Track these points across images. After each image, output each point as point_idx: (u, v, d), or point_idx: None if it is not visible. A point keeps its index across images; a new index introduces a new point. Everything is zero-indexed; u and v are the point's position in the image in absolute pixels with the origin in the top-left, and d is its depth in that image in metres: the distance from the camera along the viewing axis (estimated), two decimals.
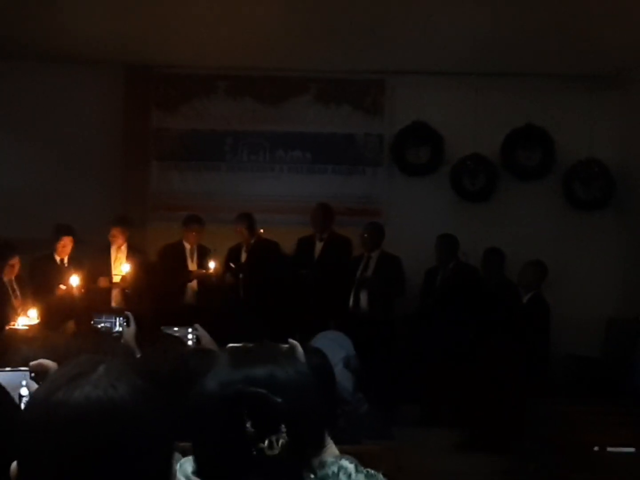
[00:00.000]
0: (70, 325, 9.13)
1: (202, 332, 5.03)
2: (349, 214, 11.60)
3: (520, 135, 11.55)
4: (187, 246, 10.65)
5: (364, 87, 11.93)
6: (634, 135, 11.13)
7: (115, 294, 10.13)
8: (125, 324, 5.16)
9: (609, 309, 11.03)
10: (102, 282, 10.03)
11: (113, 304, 9.92)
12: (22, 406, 2.59)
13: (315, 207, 10.87)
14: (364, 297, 10.39)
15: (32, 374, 2.66)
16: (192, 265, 10.58)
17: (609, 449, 5.86)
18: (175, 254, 10.63)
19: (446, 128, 11.66)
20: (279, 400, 1.91)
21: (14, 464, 1.69)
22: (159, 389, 1.80)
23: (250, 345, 2.33)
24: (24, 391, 2.65)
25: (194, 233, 10.59)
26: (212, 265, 10.31)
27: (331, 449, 2.46)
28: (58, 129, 11.26)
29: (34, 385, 2.63)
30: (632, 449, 5.81)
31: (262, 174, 11.94)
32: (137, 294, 9.87)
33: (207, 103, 11.97)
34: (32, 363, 2.66)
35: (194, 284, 10.50)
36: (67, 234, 9.94)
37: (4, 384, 2.54)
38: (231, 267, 10.46)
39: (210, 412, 1.96)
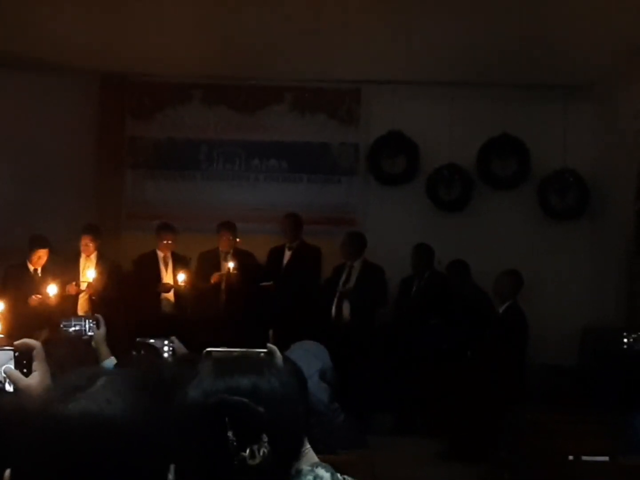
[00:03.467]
0: (44, 333, 9.06)
1: (177, 344, 5.00)
2: (324, 223, 11.61)
3: (495, 145, 11.59)
4: (160, 255, 10.58)
5: (340, 96, 11.94)
6: (608, 146, 11.19)
7: (82, 302, 10.05)
8: (94, 326, 5.13)
9: (584, 318, 11.05)
10: (71, 289, 9.95)
11: (80, 312, 9.84)
12: (6, 386, 2.62)
13: (284, 217, 10.86)
14: (346, 308, 10.36)
15: (17, 353, 2.68)
16: (167, 275, 10.51)
17: (584, 457, 5.86)
18: (149, 263, 10.57)
19: (422, 137, 11.68)
20: (261, 409, 1.90)
21: (8, 471, 1.68)
22: (158, 403, 1.79)
23: (234, 352, 2.33)
24: (8, 369, 2.66)
25: (166, 241, 10.52)
26: (181, 277, 10.27)
27: (309, 455, 2.45)
28: (31, 137, 11.17)
29: (14, 372, 2.64)
30: (606, 458, 5.81)
31: (237, 183, 11.92)
32: (107, 303, 9.78)
33: (182, 112, 11.95)
34: (16, 342, 2.69)
35: (169, 294, 10.45)
36: (42, 246, 9.88)
37: None
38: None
39: (192, 421, 1.95)
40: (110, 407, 1.66)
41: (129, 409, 1.68)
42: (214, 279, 10.45)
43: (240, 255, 10.59)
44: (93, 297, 9.94)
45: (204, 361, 2.19)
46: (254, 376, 2.00)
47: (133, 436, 1.67)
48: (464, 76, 11.14)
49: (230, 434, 1.89)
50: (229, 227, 10.69)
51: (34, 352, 2.67)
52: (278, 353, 2.78)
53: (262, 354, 2.63)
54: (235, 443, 1.88)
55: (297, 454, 2.05)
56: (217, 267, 10.58)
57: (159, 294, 10.45)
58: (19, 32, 9.76)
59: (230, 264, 10.33)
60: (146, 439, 1.69)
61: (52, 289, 9.45)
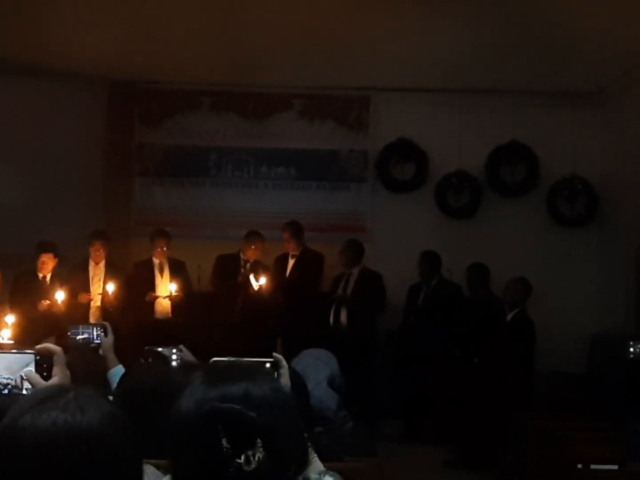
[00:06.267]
0: (51, 340, 9.06)
1: (186, 353, 5.00)
2: (333, 230, 11.60)
3: (504, 152, 11.58)
4: (156, 261, 10.59)
5: (348, 104, 11.94)
6: (616, 152, 11.18)
7: (94, 311, 10.07)
8: (102, 334, 5.12)
9: (593, 325, 11.05)
10: (83, 298, 9.98)
11: (92, 320, 9.84)
12: (24, 390, 2.66)
13: (283, 226, 10.87)
14: (343, 315, 10.39)
15: (38, 357, 2.70)
16: (162, 281, 10.51)
17: (593, 466, 5.85)
18: (144, 270, 10.58)
19: (430, 145, 11.68)
20: (253, 415, 1.90)
21: None
22: (135, 411, 1.78)
23: (229, 361, 2.34)
24: (28, 371, 2.68)
25: (160, 248, 10.53)
26: (173, 288, 10.31)
27: (316, 464, 2.45)
28: (40, 143, 11.20)
29: (34, 375, 2.65)
30: (615, 466, 5.80)
31: (246, 190, 11.92)
32: (117, 312, 9.80)
33: (190, 119, 11.95)
34: (38, 346, 2.71)
35: (165, 301, 10.44)
36: (46, 251, 9.90)
37: (9, 365, 2.59)
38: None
39: (186, 430, 1.95)
40: (83, 416, 1.66)
41: (101, 417, 1.68)
42: (242, 277, 10.47)
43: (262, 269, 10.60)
44: (110, 309, 9.91)
45: (197, 371, 2.20)
46: (245, 383, 2.00)
47: (107, 444, 1.66)
48: (473, 83, 11.15)
49: (224, 441, 1.89)
50: (259, 237, 10.72)
51: (55, 357, 2.69)
52: (284, 362, 2.78)
53: (267, 364, 2.64)
54: (229, 450, 1.89)
55: (294, 458, 2.04)
56: (237, 273, 10.59)
57: (152, 301, 10.44)
58: (28, 39, 9.79)
59: (263, 280, 10.31)
60: (120, 447, 1.69)
61: (60, 295, 9.46)
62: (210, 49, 10.11)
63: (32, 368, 2.71)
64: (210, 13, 9.16)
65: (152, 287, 10.43)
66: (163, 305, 10.43)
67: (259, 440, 1.89)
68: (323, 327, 10.17)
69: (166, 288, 10.38)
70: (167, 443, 1.97)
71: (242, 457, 1.88)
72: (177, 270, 10.51)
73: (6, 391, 2.72)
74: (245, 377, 2.03)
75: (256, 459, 1.88)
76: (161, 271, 10.55)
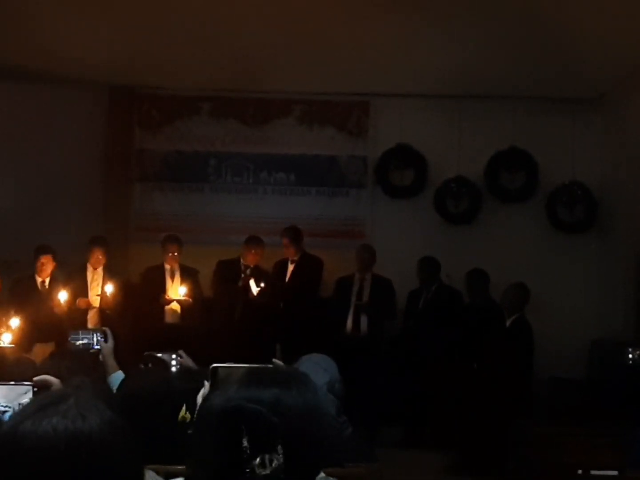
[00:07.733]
0: (40, 348, 9.07)
1: (186, 358, 5.00)
2: (332, 236, 11.61)
3: (504, 158, 11.58)
4: (167, 267, 10.59)
5: (348, 109, 11.94)
6: (616, 158, 11.18)
7: (92, 315, 10.06)
8: (102, 339, 5.12)
9: (593, 331, 11.03)
10: (82, 302, 9.97)
11: (89, 326, 9.83)
12: None
13: (282, 231, 10.85)
14: (363, 322, 10.38)
15: (35, 389, 2.71)
16: (173, 287, 10.50)
17: (593, 471, 5.84)
18: (155, 275, 10.57)
19: (430, 150, 11.67)
20: (276, 420, 1.90)
21: None
22: (134, 416, 1.78)
23: (270, 367, 2.35)
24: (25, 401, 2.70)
25: (171, 253, 10.52)
26: (182, 291, 10.29)
27: None
28: (40, 149, 11.21)
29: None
30: (615, 472, 5.78)
31: (245, 196, 11.92)
32: (116, 316, 9.80)
33: (190, 124, 11.95)
34: (35, 378, 2.72)
35: (176, 305, 10.43)
36: (45, 252, 9.90)
37: (7, 393, 2.60)
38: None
39: (211, 424, 1.97)
40: (84, 422, 1.66)
41: (102, 424, 1.68)
42: (242, 282, 10.46)
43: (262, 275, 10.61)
44: (108, 312, 9.91)
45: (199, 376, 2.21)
46: (278, 390, 2.01)
47: (107, 450, 1.66)
48: (473, 89, 11.15)
49: (244, 440, 1.90)
50: (259, 242, 10.71)
51: (52, 388, 2.69)
52: (283, 367, 2.79)
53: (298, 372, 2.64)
54: (248, 450, 1.89)
55: (312, 472, 2.05)
56: (237, 278, 10.58)
57: (163, 306, 10.44)
58: (28, 45, 9.79)
59: (254, 286, 10.34)
60: (121, 453, 1.69)
61: (62, 295, 9.46)
62: (210, 54, 10.11)
63: (28, 399, 2.71)
64: (210, 19, 9.16)
65: (162, 292, 10.42)
66: (174, 309, 10.43)
67: (280, 447, 1.90)
68: (332, 333, 10.17)
69: (176, 293, 10.37)
70: (192, 434, 1.98)
71: (258, 459, 1.88)
72: (188, 277, 10.50)
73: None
74: (281, 384, 2.04)
75: (273, 464, 1.88)
76: (172, 276, 10.54)
